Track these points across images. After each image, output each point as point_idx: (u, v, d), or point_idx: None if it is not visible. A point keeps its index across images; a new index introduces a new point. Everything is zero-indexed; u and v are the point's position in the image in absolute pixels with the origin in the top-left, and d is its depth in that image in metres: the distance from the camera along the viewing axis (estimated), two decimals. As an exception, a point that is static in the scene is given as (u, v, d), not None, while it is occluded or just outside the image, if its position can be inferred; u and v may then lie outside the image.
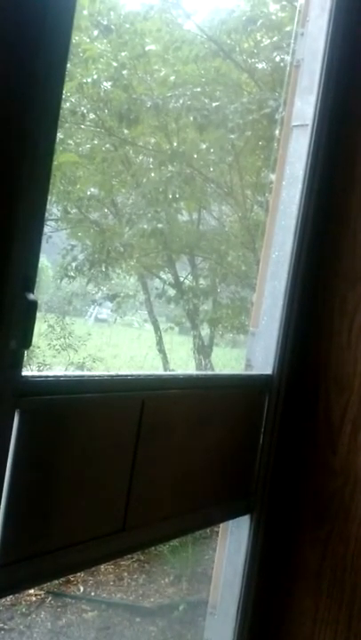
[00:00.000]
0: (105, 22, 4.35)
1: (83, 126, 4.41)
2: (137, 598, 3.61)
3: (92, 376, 1.36)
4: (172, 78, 4.38)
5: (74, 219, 4.59)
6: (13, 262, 1.06)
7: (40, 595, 3.40)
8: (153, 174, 4.51)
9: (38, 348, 4.26)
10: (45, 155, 1.10)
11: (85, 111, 4.29)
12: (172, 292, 4.79)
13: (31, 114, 1.06)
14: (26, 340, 1.09)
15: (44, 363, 4.27)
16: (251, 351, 1.83)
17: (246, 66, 4.61)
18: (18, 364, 1.10)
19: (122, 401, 1.37)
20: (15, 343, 1.08)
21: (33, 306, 1.09)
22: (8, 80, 1.04)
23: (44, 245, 1.13)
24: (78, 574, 3.55)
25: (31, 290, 1.09)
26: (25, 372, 1.13)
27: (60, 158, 4.17)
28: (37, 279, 1.12)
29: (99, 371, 4.20)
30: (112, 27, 4.31)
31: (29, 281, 1.09)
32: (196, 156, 4.56)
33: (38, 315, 1.10)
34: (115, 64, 4.31)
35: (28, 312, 1.08)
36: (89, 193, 4.58)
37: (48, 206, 1.16)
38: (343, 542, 1.74)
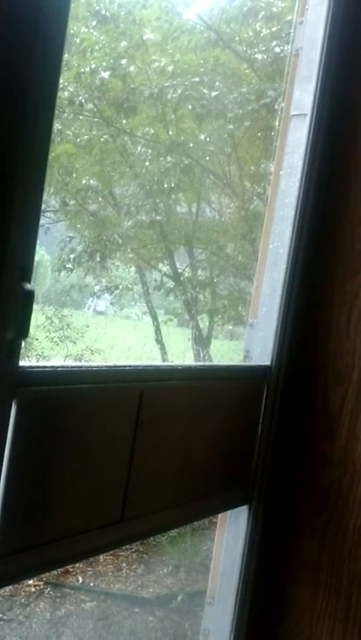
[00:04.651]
0: (103, 11, 4.31)
1: (81, 116, 4.38)
2: (135, 589, 3.63)
3: (90, 367, 1.35)
4: (171, 68, 4.35)
5: (72, 210, 4.57)
6: (10, 252, 1.05)
7: (39, 585, 3.42)
8: (151, 165, 4.49)
9: (37, 339, 4.25)
10: (42, 144, 1.09)
11: (83, 101, 4.26)
12: (170, 283, 4.78)
13: (27, 103, 1.05)
14: (23, 331, 1.08)
15: (43, 354, 4.27)
16: (249, 342, 1.83)
17: (246, 56, 4.58)
18: (15, 354, 1.10)
19: (120, 392, 1.36)
20: (12, 333, 1.08)
21: (30, 296, 1.08)
22: (3, 70, 1.02)
23: (42, 237, 1.13)
24: (77, 565, 3.56)
25: (28, 280, 1.08)
26: (22, 363, 1.13)
27: (58, 149, 4.15)
28: (36, 271, 1.11)
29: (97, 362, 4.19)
30: (110, 15, 4.28)
31: (26, 271, 1.08)
32: (194, 146, 4.53)
33: (36, 307, 1.10)
34: (113, 53, 4.27)
35: (25, 302, 1.08)
36: (87, 184, 4.55)
37: (46, 198, 1.15)
38: (341, 533, 1.75)
